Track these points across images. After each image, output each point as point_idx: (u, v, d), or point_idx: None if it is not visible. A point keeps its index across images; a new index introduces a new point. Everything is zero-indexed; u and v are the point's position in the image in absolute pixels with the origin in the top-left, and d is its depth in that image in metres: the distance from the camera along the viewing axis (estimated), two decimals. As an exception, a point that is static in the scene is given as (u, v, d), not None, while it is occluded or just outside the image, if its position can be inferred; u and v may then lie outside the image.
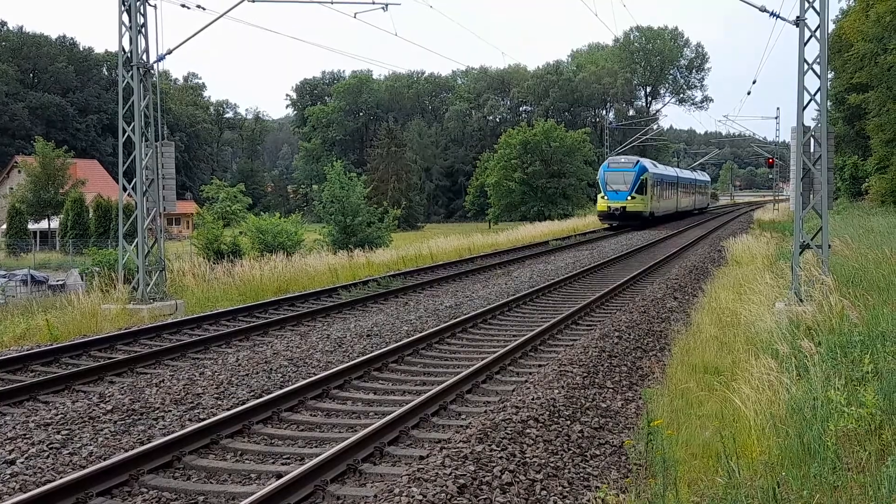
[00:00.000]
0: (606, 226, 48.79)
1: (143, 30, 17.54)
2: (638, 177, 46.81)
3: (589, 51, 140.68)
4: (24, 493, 6.77)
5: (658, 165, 57.80)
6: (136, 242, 17.95)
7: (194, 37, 18.22)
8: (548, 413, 8.82)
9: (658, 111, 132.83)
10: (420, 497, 6.36)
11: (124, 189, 18.29)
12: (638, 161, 48.81)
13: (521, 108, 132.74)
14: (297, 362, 11.81)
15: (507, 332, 14.77)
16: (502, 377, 11.25)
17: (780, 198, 74.13)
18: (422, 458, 7.62)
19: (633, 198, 46.36)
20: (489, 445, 7.58)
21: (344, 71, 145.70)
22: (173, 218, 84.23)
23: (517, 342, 12.76)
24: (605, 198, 47.23)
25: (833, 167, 15.48)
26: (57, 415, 9.08)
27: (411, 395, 10.18)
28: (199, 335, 14.48)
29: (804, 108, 14.88)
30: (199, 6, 18.43)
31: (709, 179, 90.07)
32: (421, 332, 13.94)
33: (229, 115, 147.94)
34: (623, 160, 49.60)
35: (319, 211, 44.28)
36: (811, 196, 15.34)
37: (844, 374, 8.14)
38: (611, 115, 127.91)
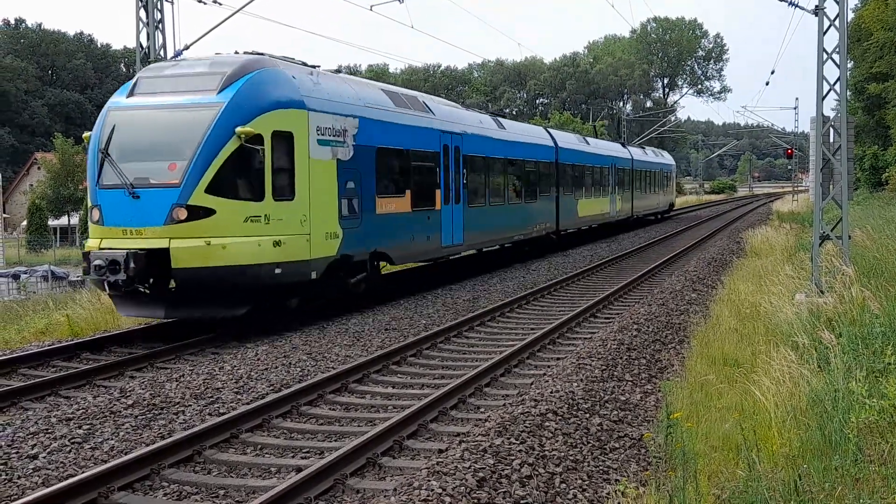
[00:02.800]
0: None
1: (160, 26, 17.66)
2: (230, 119, 12.52)
3: (605, 42, 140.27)
4: (48, 487, 6.83)
5: (448, 104, 22.11)
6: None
7: (211, 32, 18.29)
8: (567, 406, 8.80)
9: (676, 102, 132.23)
10: (439, 490, 6.37)
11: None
12: (246, 72, 13.24)
13: (537, 101, 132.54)
14: (316, 356, 11.84)
15: (525, 325, 14.75)
16: (521, 370, 11.24)
17: (800, 189, 73.59)
18: (441, 451, 7.64)
19: (187, 210, 12.42)
20: (508, 439, 7.57)
21: (360, 65, 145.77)
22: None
23: (535, 335, 12.74)
24: (99, 214, 13.23)
25: (853, 157, 15.36)
26: (78, 410, 9.15)
27: (430, 389, 10.19)
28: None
29: (823, 97, 14.76)
30: (215, 1, 18.48)
31: (669, 163, 54.37)
32: (439, 326, 13.95)
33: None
34: (182, 70, 13.78)
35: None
36: (831, 186, 15.23)
37: (866, 365, 8.08)
38: (628, 106, 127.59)
